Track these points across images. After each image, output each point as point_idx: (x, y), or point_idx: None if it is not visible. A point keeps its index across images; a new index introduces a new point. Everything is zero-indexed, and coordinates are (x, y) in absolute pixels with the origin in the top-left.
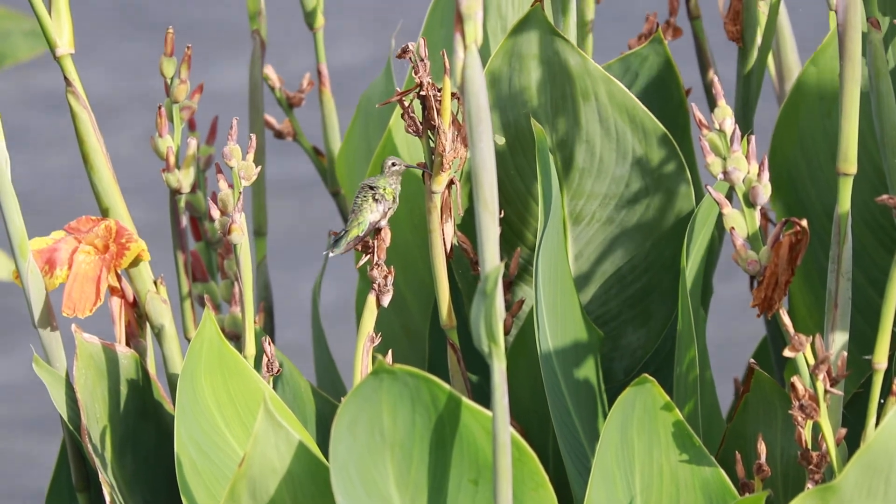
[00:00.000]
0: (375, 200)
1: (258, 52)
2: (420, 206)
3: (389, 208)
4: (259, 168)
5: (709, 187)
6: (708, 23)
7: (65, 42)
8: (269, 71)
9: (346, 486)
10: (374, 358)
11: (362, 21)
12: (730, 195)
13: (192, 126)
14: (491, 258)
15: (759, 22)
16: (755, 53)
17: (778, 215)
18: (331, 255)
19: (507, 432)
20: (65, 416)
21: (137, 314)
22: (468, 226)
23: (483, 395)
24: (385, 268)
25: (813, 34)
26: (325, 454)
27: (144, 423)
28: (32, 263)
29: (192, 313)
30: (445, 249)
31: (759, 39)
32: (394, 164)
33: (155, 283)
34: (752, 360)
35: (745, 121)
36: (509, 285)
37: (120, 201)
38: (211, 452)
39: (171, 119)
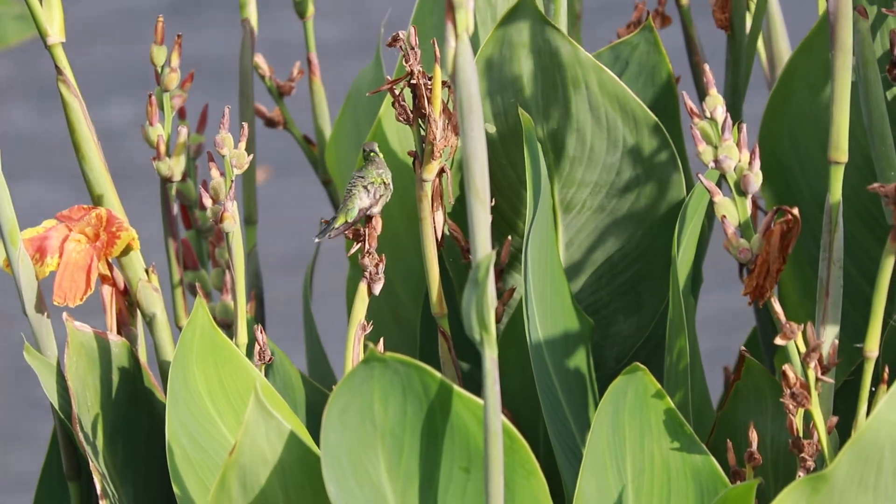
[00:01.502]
0: (365, 189)
1: (248, 40)
2: (411, 195)
3: (381, 195)
4: (251, 156)
5: (700, 175)
6: (696, 11)
7: (55, 30)
8: (260, 60)
9: (336, 475)
10: (364, 346)
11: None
12: (721, 183)
13: (181, 114)
14: (482, 246)
15: (748, 9)
16: (744, 41)
17: (767, 204)
18: (316, 240)
19: (498, 420)
20: (56, 405)
21: (129, 302)
22: (459, 214)
23: (474, 383)
24: (376, 256)
25: (805, 21)
26: (316, 443)
27: (136, 412)
28: (23, 252)
29: (184, 301)
30: (436, 238)
31: (748, 26)
32: (372, 151)
33: (146, 271)
34: (743, 348)
35: (734, 108)
36: (500, 273)
37: (111, 190)
38: (202, 441)
39: (161, 107)
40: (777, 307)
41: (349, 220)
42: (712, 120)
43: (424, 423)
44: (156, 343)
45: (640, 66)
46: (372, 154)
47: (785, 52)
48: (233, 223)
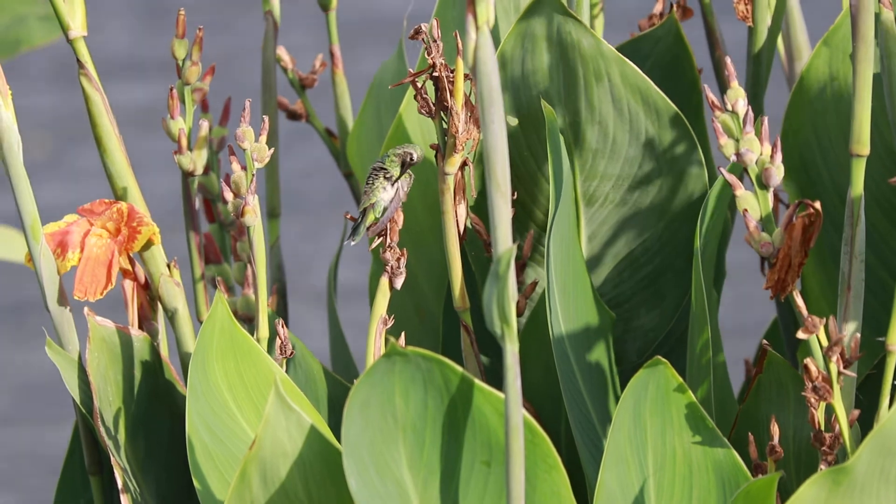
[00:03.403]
0: (387, 179)
1: (271, 33)
2: (433, 188)
3: (403, 186)
4: (272, 150)
5: (721, 169)
6: (718, 3)
7: (77, 24)
8: (282, 52)
9: (358, 469)
10: (386, 340)
11: None
12: (743, 176)
13: (204, 107)
14: (503, 240)
15: (769, 1)
16: (765, 33)
17: (790, 197)
18: (352, 243)
19: (519, 414)
20: (77, 400)
21: (150, 297)
22: (481, 207)
23: (496, 377)
24: (398, 250)
25: (823, 13)
26: (338, 437)
27: (157, 406)
28: (45, 246)
29: (206, 296)
30: (458, 231)
31: (768, 19)
32: (399, 154)
33: (168, 265)
34: (765, 341)
35: (755, 101)
36: (522, 267)
37: (133, 184)
38: (223, 435)
39: (182, 100)
40: (799, 301)
41: (379, 216)
42: (734, 113)
43: (446, 417)
44: (177, 337)
45: (663, 58)
46: (399, 156)
47: (803, 45)
48: (253, 217)
